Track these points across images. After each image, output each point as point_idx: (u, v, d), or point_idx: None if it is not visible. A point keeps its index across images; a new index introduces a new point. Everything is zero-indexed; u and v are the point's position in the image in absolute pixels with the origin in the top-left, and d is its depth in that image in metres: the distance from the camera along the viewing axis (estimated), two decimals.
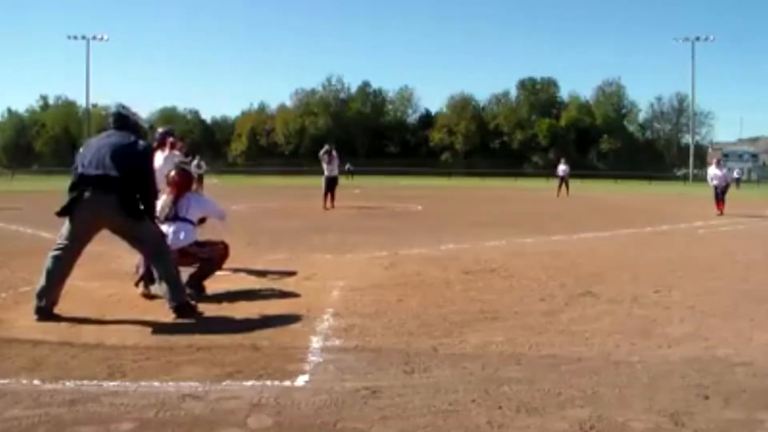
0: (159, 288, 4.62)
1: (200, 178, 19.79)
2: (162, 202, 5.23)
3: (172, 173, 5.48)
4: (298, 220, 12.71)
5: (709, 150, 73.52)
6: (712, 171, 16.37)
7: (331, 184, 15.66)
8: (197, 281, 5.16)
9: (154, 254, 4.54)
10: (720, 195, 15.70)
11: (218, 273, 5.88)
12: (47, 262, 4.33)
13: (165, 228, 5.07)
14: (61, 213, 4.34)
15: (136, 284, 5.10)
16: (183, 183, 5.43)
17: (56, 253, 4.34)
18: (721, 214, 15.17)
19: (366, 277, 6.00)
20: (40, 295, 4.27)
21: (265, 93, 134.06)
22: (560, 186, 24.67)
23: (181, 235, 5.13)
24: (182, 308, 4.39)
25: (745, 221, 13.93)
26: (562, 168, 25.24)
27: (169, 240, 4.95)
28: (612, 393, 3.01)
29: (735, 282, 6.11)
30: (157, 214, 4.98)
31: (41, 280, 4.31)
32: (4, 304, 4.75)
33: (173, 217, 5.21)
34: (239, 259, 6.33)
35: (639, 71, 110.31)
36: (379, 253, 7.60)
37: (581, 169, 55.68)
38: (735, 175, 47.56)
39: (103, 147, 4.33)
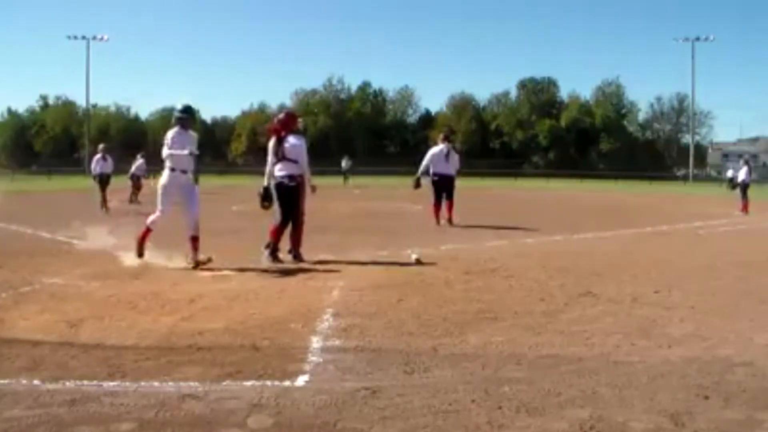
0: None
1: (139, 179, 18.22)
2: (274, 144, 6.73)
3: (283, 116, 6.94)
4: None
5: (709, 150, 73.55)
6: None
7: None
8: (297, 249, 6.74)
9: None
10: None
11: (219, 273, 5.92)
12: None
13: (281, 165, 6.66)
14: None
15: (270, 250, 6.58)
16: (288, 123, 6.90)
17: None
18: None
19: (366, 277, 6.00)
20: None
21: (265, 93, 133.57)
22: (743, 196, 16.53)
23: (295, 169, 6.69)
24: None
25: (743, 222, 13.90)
26: (743, 170, 17.46)
27: (293, 170, 6.67)
28: (612, 393, 3.01)
29: (735, 282, 6.11)
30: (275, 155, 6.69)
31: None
32: (4, 304, 4.75)
33: (283, 157, 6.67)
34: (240, 259, 6.34)
35: (639, 71, 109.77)
36: (379, 253, 7.60)
37: (581, 169, 55.90)
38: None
39: None
